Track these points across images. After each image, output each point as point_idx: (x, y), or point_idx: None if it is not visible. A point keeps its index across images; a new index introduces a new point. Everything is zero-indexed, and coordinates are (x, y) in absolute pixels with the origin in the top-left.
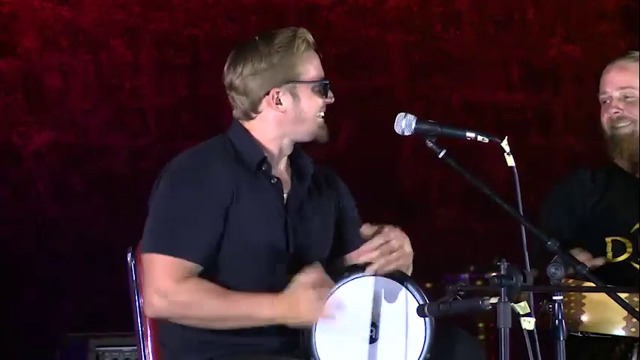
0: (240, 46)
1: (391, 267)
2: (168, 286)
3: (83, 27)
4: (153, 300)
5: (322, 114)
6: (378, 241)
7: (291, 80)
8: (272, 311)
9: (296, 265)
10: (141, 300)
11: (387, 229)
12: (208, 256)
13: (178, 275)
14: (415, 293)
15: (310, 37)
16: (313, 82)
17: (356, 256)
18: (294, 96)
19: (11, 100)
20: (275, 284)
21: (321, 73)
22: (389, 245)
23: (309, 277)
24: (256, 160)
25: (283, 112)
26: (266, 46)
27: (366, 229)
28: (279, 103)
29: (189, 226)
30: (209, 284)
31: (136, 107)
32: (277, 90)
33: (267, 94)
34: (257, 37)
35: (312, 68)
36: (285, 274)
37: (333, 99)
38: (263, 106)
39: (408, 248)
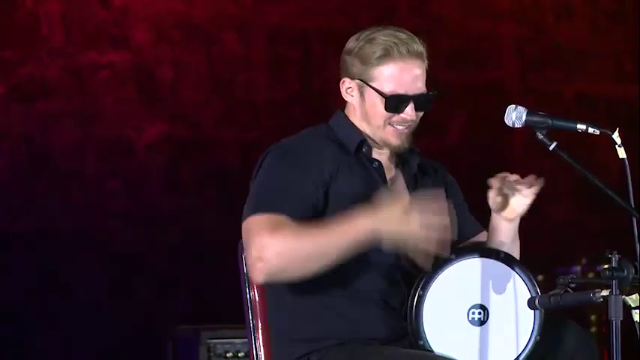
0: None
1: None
2: (263, 238)
3: (195, 21)
4: (254, 262)
5: (400, 127)
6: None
7: (360, 78)
8: (369, 221)
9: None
10: (252, 293)
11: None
12: (304, 218)
13: (272, 227)
14: (522, 275)
15: (403, 50)
16: (378, 91)
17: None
18: (362, 95)
19: (124, 93)
20: (376, 259)
21: (398, 87)
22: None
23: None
24: (355, 142)
25: (353, 104)
26: (367, 36)
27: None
28: (348, 93)
29: (287, 190)
30: (301, 225)
31: (247, 101)
32: (349, 81)
33: (343, 79)
34: (373, 27)
35: (385, 77)
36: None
37: (412, 116)
38: (342, 88)
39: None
